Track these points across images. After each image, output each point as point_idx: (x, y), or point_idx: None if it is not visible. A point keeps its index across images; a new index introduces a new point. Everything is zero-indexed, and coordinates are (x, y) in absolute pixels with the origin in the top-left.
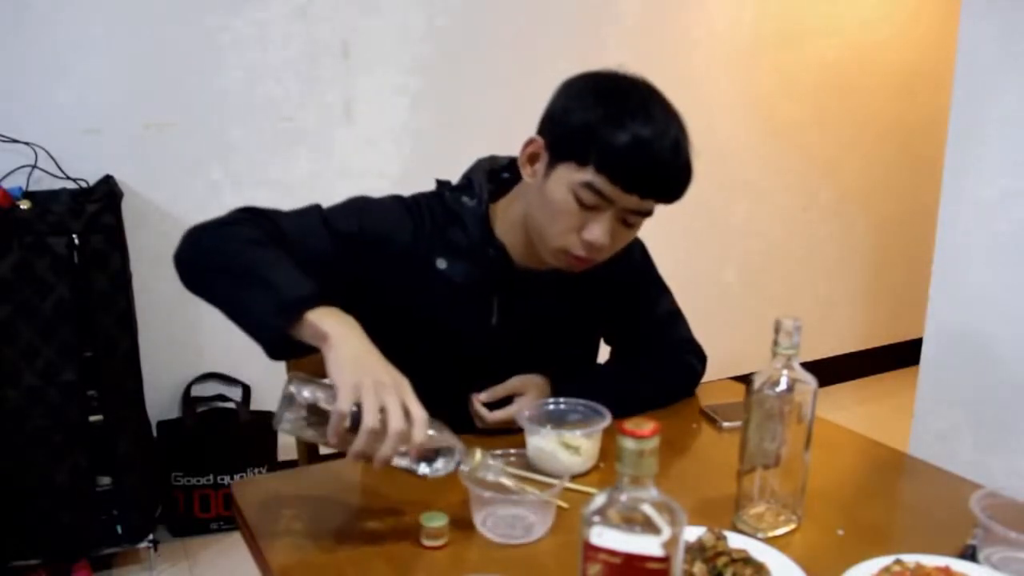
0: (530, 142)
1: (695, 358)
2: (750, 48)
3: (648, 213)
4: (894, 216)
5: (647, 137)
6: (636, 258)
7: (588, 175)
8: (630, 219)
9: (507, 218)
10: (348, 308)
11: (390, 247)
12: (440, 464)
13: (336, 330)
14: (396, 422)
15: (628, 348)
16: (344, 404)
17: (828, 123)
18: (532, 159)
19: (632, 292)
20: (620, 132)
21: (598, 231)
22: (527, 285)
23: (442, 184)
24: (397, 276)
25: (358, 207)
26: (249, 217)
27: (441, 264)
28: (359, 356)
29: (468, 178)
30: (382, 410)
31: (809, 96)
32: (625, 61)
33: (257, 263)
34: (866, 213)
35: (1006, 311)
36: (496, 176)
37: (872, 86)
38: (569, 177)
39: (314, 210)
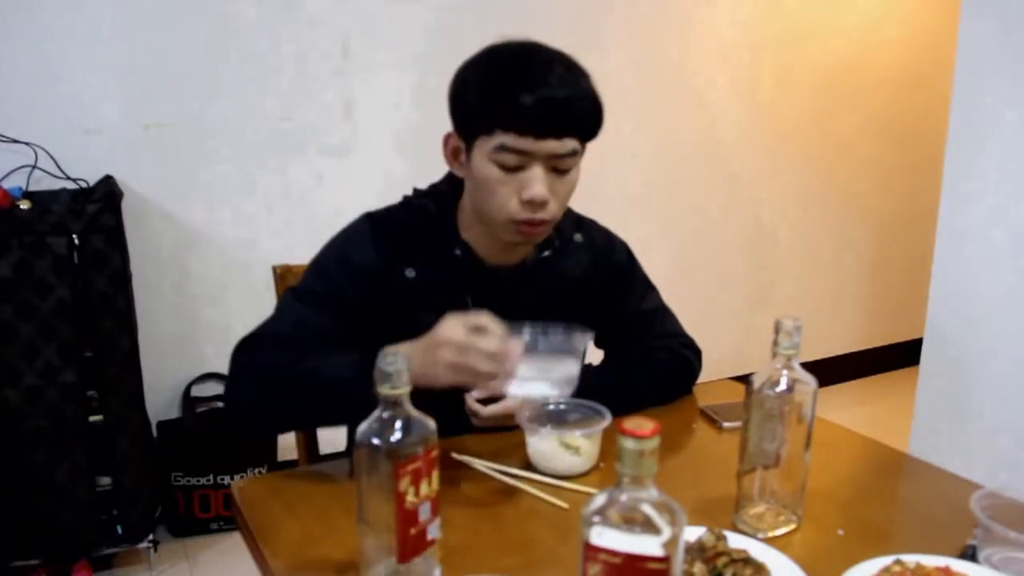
0: (446, 139)
1: (689, 351)
2: (750, 48)
3: (574, 153)
4: (894, 216)
5: (535, 80)
6: (620, 259)
7: (498, 138)
8: (560, 165)
9: (466, 217)
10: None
11: (362, 274)
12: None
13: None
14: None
15: (618, 347)
16: None
17: (828, 123)
18: (455, 154)
19: (617, 291)
20: (509, 85)
21: (534, 187)
22: (501, 283)
23: (414, 192)
24: (373, 296)
25: (319, 265)
26: (255, 348)
27: (410, 273)
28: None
29: (433, 185)
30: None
31: (809, 96)
32: (626, 61)
33: (307, 377)
34: (866, 213)
35: (1005, 311)
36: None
37: (872, 86)
38: (484, 148)
39: (288, 300)
